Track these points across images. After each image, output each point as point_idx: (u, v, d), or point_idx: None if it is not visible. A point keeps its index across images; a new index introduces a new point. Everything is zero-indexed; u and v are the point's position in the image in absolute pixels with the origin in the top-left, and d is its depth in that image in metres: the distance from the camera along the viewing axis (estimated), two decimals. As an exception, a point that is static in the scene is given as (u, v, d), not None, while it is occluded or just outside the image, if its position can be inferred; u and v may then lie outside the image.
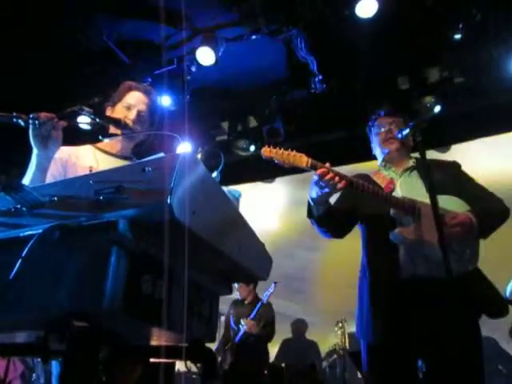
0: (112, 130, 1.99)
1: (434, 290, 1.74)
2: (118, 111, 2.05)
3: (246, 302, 5.32)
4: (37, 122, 1.52)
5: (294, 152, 2.01)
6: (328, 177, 1.95)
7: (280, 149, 2.02)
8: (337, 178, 1.95)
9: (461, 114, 5.31)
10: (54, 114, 1.57)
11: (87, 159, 1.99)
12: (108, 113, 2.08)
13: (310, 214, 2.24)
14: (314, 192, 2.07)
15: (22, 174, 1.69)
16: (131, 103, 2.05)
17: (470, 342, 1.91)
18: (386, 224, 2.06)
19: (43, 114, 1.54)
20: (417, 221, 1.98)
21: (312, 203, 2.16)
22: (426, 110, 5.03)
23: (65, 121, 1.60)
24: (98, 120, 1.64)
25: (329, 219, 2.19)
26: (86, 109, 1.59)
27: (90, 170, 1.91)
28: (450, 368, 1.87)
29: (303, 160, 2.00)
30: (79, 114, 1.59)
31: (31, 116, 1.51)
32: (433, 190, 1.81)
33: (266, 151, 2.03)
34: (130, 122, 1.96)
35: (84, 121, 1.67)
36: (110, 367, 0.95)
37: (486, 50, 4.77)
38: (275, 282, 5.20)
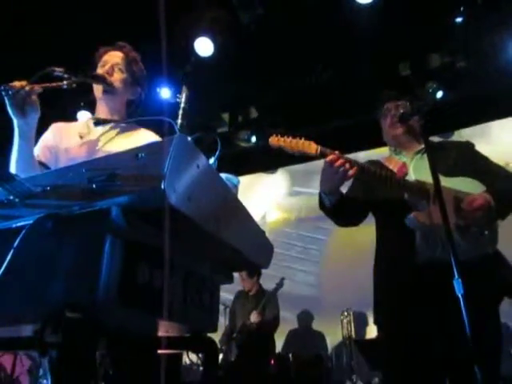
0: (97, 93, 1.98)
1: (452, 273, 1.72)
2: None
3: (251, 293, 5.31)
4: (10, 91, 1.49)
5: (303, 140, 1.97)
6: (338, 163, 1.90)
7: (288, 137, 1.98)
8: (347, 165, 1.91)
9: (463, 99, 5.26)
10: (26, 80, 1.54)
11: (78, 129, 1.96)
12: None
13: (321, 206, 2.19)
14: (325, 181, 2.03)
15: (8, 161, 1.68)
16: (106, 59, 2.01)
17: (488, 326, 1.88)
18: (401, 209, 2.02)
19: (15, 83, 1.51)
20: (432, 205, 1.94)
21: (323, 194, 2.11)
22: (428, 95, 4.98)
23: (39, 85, 1.57)
24: (73, 78, 1.61)
25: (342, 209, 2.13)
26: (58, 69, 1.56)
27: (80, 137, 1.90)
28: (467, 353, 1.85)
29: (312, 147, 1.95)
30: (52, 76, 1.56)
31: (2, 87, 1.48)
32: (436, 176, 1.78)
33: (274, 140, 2.00)
34: (104, 74, 1.93)
35: (59, 82, 1.63)
36: (109, 359, 0.94)
37: (489, 34, 4.71)
38: (283, 278, 5.21)
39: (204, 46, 4.59)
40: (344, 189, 2.19)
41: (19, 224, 0.91)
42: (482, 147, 2.32)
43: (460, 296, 1.58)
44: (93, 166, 0.94)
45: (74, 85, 1.61)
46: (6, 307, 0.92)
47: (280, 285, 5.20)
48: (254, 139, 5.99)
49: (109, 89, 1.91)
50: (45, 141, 1.94)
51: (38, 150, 1.86)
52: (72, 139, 1.90)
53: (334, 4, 4.51)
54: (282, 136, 1.99)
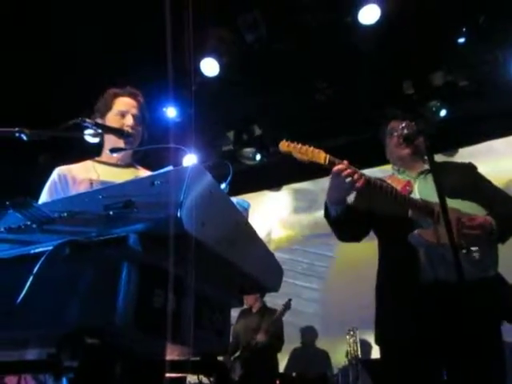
0: (112, 141, 1.95)
1: (454, 293, 1.72)
2: (110, 120, 1.99)
3: (254, 310, 5.27)
4: None
5: (312, 148, 1.98)
6: (346, 173, 1.90)
7: (298, 143, 1.99)
8: (355, 176, 1.91)
9: (466, 117, 5.30)
10: (56, 127, 1.55)
11: (86, 174, 1.95)
12: None
13: (326, 215, 2.19)
14: (332, 191, 2.03)
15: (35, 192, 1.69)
16: (123, 110, 2.01)
17: (491, 347, 1.89)
18: (404, 226, 2.02)
19: None
20: (436, 223, 1.95)
21: (329, 203, 2.11)
22: (431, 114, 5.02)
23: (68, 133, 1.58)
24: (100, 131, 1.64)
25: (346, 219, 2.12)
26: (88, 120, 1.58)
27: (91, 183, 1.88)
28: (471, 374, 1.85)
29: (321, 156, 1.95)
30: (82, 126, 1.59)
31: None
32: (442, 194, 1.79)
33: (284, 145, 2.00)
34: (129, 129, 1.93)
35: (87, 132, 1.65)
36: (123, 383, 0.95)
37: (490, 53, 4.76)
38: (290, 299, 5.15)
39: (210, 66, 4.66)
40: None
41: (37, 250, 0.93)
42: (486, 165, 2.33)
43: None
44: (109, 192, 0.96)
45: (99, 136, 1.63)
46: (23, 331, 0.93)
47: (287, 306, 5.11)
48: (258, 157, 6.03)
49: (130, 140, 1.92)
50: (52, 190, 1.91)
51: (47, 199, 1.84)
52: (82, 185, 1.89)
53: (338, 24, 4.57)
54: (292, 142, 2.00)
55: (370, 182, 1.97)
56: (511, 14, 4.27)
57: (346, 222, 2.15)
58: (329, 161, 1.95)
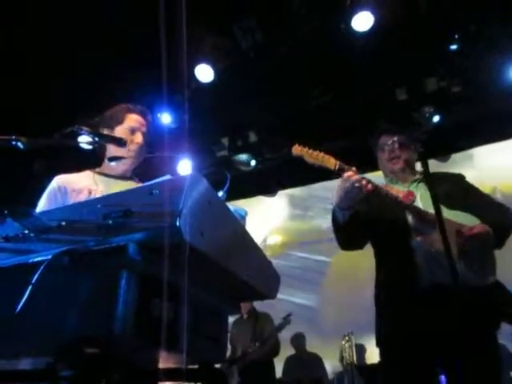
0: (112, 152, 1.98)
1: (453, 297, 1.74)
2: (119, 134, 1.97)
3: (245, 317, 5.28)
4: None
5: (323, 153, 2.08)
6: (355, 178, 1.98)
7: (309, 148, 2.10)
8: (364, 181, 1.99)
9: (459, 123, 5.34)
10: (52, 134, 1.54)
11: (86, 183, 1.96)
12: None
13: (334, 220, 2.23)
14: (341, 196, 2.08)
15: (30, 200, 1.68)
16: (134, 126, 2.04)
17: (489, 351, 1.92)
18: (405, 233, 2.07)
19: None
20: (437, 231, 1.98)
21: (338, 208, 2.15)
22: (424, 120, 5.06)
23: (64, 141, 1.57)
24: (97, 139, 1.64)
25: (354, 224, 2.17)
26: (85, 128, 1.58)
27: (89, 193, 1.89)
28: (469, 378, 1.87)
29: (331, 162, 2.06)
30: (78, 134, 1.59)
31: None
32: (436, 202, 1.82)
33: (297, 149, 2.11)
34: (137, 146, 2.00)
35: (83, 140, 1.65)
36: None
37: (483, 59, 4.81)
38: (290, 314, 5.14)
39: (205, 72, 4.67)
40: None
41: (36, 259, 0.93)
42: (469, 172, 2.38)
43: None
44: (108, 201, 0.96)
45: (96, 144, 1.63)
46: (22, 340, 0.93)
47: (287, 321, 5.11)
48: (253, 163, 6.05)
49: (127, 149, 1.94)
50: (52, 198, 1.91)
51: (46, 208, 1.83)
52: (81, 195, 1.89)
53: (333, 31, 4.61)
54: (304, 146, 2.11)
55: (377, 189, 2.04)
56: (502, 21, 4.32)
57: (352, 227, 2.19)
58: (338, 167, 2.04)
